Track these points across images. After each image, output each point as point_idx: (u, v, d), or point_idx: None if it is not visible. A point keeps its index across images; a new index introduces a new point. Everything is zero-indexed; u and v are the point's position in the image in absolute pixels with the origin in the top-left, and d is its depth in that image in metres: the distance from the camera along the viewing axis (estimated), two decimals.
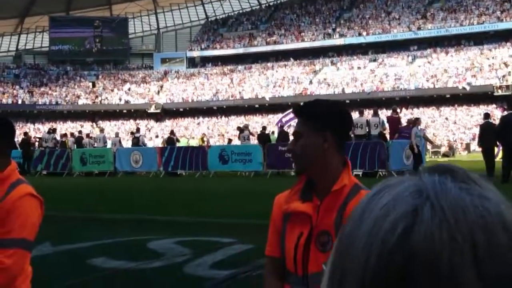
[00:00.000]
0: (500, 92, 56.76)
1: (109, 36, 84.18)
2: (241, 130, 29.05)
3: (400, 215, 0.65)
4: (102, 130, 35.19)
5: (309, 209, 2.49)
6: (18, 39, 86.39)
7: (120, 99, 76.53)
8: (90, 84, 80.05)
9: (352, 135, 23.09)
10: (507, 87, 56.85)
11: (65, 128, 65.28)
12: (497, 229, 0.64)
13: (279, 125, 32.59)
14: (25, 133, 32.39)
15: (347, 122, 2.61)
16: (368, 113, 29.45)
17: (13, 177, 3.26)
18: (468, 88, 58.87)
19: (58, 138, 33.10)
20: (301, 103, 2.69)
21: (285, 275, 2.57)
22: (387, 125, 23.92)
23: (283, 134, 27.45)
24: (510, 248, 0.64)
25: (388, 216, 0.65)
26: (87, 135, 34.44)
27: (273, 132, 33.25)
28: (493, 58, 61.55)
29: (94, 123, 73.26)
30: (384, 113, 36.65)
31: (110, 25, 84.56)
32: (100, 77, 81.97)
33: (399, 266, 0.63)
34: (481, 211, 0.65)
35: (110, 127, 69.00)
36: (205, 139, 42.07)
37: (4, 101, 72.74)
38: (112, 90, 78.78)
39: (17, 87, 76.08)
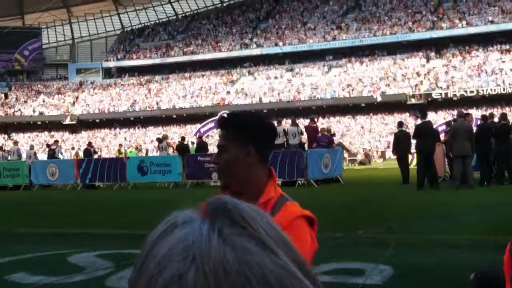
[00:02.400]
0: (413, 101, 58.23)
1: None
2: (160, 140, 28.87)
3: (169, 279, 0.66)
4: (16, 143, 34.37)
5: None
6: None
7: (34, 111, 74.89)
8: (3, 95, 78.04)
9: None
10: (420, 96, 58.42)
11: None
12: (256, 284, 0.66)
13: (197, 135, 32.54)
14: None
15: (270, 134, 2.62)
16: (285, 123, 29.73)
17: None
18: (381, 97, 60.17)
19: None
20: (225, 116, 2.69)
21: None
22: (305, 135, 24.25)
23: (201, 144, 27.46)
24: None
25: (160, 276, 0.67)
26: (1, 148, 33.55)
27: (192, 143, 33.17)
28: (405, 67, 63.15)
29: (7, 136, 71.44)
30: (301, 122, 37.04)
31: (23, 35, 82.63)
32: (12, 88, 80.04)
33: None
34: (243, 269, 0.66)
35: (24, 140, 67.46)
36: (122, 150, 41.60)
37: None
38: (26, 102, 77.05)
39: None
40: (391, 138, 37.40)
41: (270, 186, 2.53)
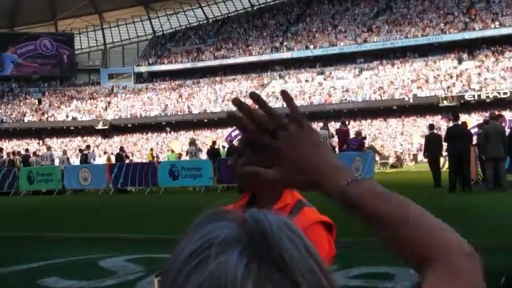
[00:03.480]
0: (445, 103, 57.75)
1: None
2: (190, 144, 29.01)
3: None
4: (49, 148, 34.70)
5: None
6: None
7: (67, 116, 75.66)
8: (36, 101, 78.97)
9: None
10: (452, 98, 57.91)
11: (10, 146, 64.27)
12: None
13: (228, 140, 32.60)
14: None
15: None
16: (317, 126, 29.63)
17: None
18: (413, 99, 59.80)
19: (5, 156, 32.53)
20: None
21: None
22: (336, 138, 24.18)
23: (233, 149, 27.48)
24: None
25: None
26: (34, 153, 33.91)
27: (223, 147, 33.23)
28: (437, 69, 62.68)
29: (41, 141, 72.26)
30: (333, 126, 36.91)
31: (56, 41, 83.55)
32: (46, 93, 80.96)
33: None
34: None
35: (57, 145, 68.18)
36: (154, 154, 41.87)
37: None
38: (59, 107, 77.88)
39: None
40: (423, 141, 37.20)
41: (287, 192, 2.53)
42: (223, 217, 0.74)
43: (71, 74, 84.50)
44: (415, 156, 53.79)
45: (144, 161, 40.63)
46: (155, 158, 37.89)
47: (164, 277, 0.72)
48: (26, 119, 74.97)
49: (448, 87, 59.48)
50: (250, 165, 2.53)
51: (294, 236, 0.72)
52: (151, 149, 46.58)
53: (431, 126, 21.94)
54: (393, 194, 1.10)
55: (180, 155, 36.80)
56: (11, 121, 73.88)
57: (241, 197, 2.63)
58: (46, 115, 76.09)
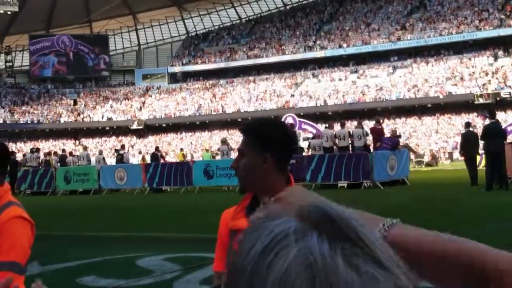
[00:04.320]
0: (480, 101, 57.13)
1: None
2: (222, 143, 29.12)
3: None
4: (85, 148, 35.04)
5: None
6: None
7: (102, 116, 76.36)
8: (72, 101, 79.82)
9: (335, 147, 23.24)
10: (488, 95, 57.26)
11: (47, 146, 65.05)
12: None
13: None
14: (12, 152, 32.14)
15: (287, 142, 2.63)
16: (351, 125, 29.58)
17: (4, 199, 3.24)
18: (448, 97, 59.28)
19: (42, 157, 32.93)
20: (246, 122, 2.73)
21: None
22: (370, 137, 24.08)
23: None
24: None
25: None
26: (71, 153, 34.27)
27: None
28: (472, 67, 62.02)
29: (77, 141, 73.02)
30: (367, 124, 36.75)
31: (91, 43, 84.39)
32: (81, 94, 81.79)
33: None
34: None
35: (93, 144, 68.84)
36: (184, 153, 42.13)
37: None
38: (94, 107, 78.61)
39: None
40: (458, 139, 36.88)
41: None
42: (279, 215, 0.73)
43: (106, 75, 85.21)
44: (450, 154, 53.32)
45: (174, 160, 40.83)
46: (187, 158, 38.05)
47: (233, 279, 0.70)
48: (62, 120, 75.81)
49: (484, 84, 58.81)
50: (253, 167, 2.57)
51: (357, 218, 0.72)
52: (181, 149, 46.86)
53: (467, 124, 21.72)
54: (423, 230, 1.08)
55: (216, 154, 36.97)
56: (47, 122, 74.76)
57: (244, 198, 2.66)
58: (81, 116, 76.87)
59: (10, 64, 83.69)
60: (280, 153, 2.56)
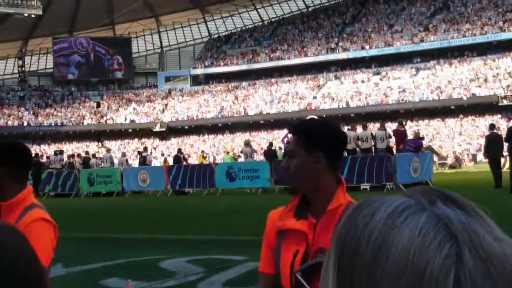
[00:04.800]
0: (505, 102, 56.68)
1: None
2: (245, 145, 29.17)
3: (443, 258, 0.63)
4: (108, 150, 35.26)
5: (305, 227, 2.50)
6: (23, 61, 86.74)
7: (125, 119, 76.75)
8: (95, 104, 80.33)
9: (358, 149, 23.18)
10: None
11: (70, 149, 65.47)
12: None
13: (285, 141, 32.57)
14: (36, 155, 32.38)
15: (339, 141, 2.62)
16: (373, 126, 29.46)
17: (27, 201, 3.26)
18: (472, 99, 58.87)
19: (65, 159, 33.15)
20: (297, 122, 2.72)
21: None
22: (393, 139, 23.97)
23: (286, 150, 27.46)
24: None
25: (431, 258, 0.64)
26: (94, 156, 34.46)
27: (280, 148, 33.22)
28: (496, 68, 61.54)
29: (100, 143, 73.45)
30: (389, 126, 36.57)
31: (114, 45, 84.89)
32: (104, 97, 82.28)
33: None
34: (509, 258, 0.64)
35: (116, 147, 69.20)
36: (205, 155, 42.23)
37: (9, 123, 73.09)
38: (117, 110, 79.03)
39: (22, 109, 76.46)
40: (482, 141, 36.56)
41: (339, 193, 2.54)
42: (388, 197, 0.71)
43: (129, 77, 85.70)
44: (474, 156, 52.93)
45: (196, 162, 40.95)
46: (209, 160, 38.13)
47: (350, 248, 0.69)
48: (85, 122, 76.28)
49: (508, 85, 58.30)
50: (305, 167, 2.56)
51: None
52: (202, 151, 47.03)
53: (491, 126, 21.53)
54: None
55: (237, 156, 37.01)
56: (71, 124, 75.27)
57: (293, 198, 2.63)
58: (104, 118, 77.30)
59: (23, 68, 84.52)
60: (331, 152, 2.56)
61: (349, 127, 24.66)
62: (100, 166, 31.00)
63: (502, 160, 22.03)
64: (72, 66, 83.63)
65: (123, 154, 33.53)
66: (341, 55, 71.82)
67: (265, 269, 2.65)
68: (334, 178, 2.56)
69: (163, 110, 77.75)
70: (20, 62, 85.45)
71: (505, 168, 22.66)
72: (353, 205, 2.47)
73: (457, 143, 57.13)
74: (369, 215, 0.68)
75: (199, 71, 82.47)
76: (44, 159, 36.16)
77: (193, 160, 50.28)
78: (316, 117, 42.34)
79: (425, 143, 29.17)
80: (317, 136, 2.54)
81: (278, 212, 2.65)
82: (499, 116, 56.67)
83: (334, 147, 2.58)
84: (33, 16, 72.51)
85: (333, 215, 2.46)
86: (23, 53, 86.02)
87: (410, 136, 24.83)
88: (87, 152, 36.78)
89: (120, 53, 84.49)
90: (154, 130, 74.66)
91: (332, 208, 2.48)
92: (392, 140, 24.26)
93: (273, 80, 75.49)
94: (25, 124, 73.72)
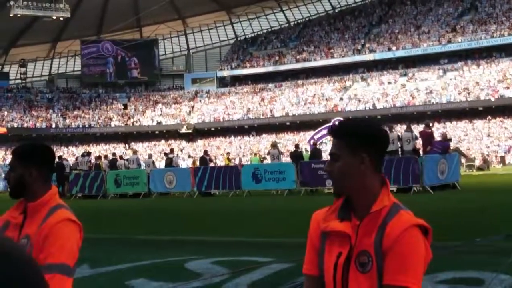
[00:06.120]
0: None
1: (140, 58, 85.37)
2: (272, 146, 29.17)
3: None
4: (135, 152, 35.36)
5: (348, 229, 2.47)
6: (51, 64, 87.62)
7: (152, 120, 77.13)
8: (122, 106, 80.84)
9: None
10: None
11: (98, 150, 65.98)
12: None
13: (311, 143, 32.53)
14: (59, 157, 32.62)
15: (383, 141, 2.60)
16: (400, 128, 29.27)
17: (53, 202, 3.30)
18: (500, 100, 58.34)
19: (93, 160, 33.38)
20: (337, 123, 2.68)
21: None
22: (420, 140, 23.81)
23: (316, 152, 27.43)
24: None
25: None
26: (121, 157, 34.64)
27: (306, 150, 33.17)
28: None
29: (127, 145, 73.87)
30: (416, 128, 36.36)
31: (141, 47, 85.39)
32: (131, 99, 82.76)
33: None
34: None
35: (143, 148, 69.60)
36: (230, 158, 42.31)
37: (38, 125, 73.78)
38: (144, 112, 79.46)
39: (51, 111, 77.16)
40: (511, 143, 36.40)
41: (384, 194, 2.50)
42: None
43: (156, 80, 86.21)
44: (502, 158, 52.43)
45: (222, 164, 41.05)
46: (235, 162, 38.20)
47: None
48: (112, 124, 76.78)
49: None
50: (350, 169, 2.54)
51: None
52: (228, 153, 47.14)
53: None
54: None
55: (264, 158, 37.00)
56: (98, 126, 75.81)
57: (335, 200, 2.60)
58: (131, 120, 77.73)
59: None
60: (375, 153, 2.53)
61: None
62: (127, 167, 31.13)
63: None
64: (99, 68, 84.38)
65: (150, 156, 33.65)
66: (367, 57, 71.62)
67: (310, 271, 2.63)
68: (378, 179, 2.53)
69: (190, 112, 78.03)
70: (49, 64, 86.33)
71: None
72: (398, 206, 2.47)
73: (485, 145, 56.64)
74: None
75: (226, 73, 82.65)
76: (73, 161, 36.45)
77: (219, 162, 50.40)
78: (341, 119, 42.26)
79: (452, 145, 28.95)
80: (360, 136, 2.51)
81: (322, 213, 2.63)
82: None
83: (378, 148, 2.55)
84: (61, 18, 73.13)
85: (377, 216, 2.44)
86: (52, 55, 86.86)
87: (437, 138, 24.65)
88: (114, 154, 36.94)
89: (142, 55, 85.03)
90: (180, 132, 74.97)
91: (376, 210, 2.45)
92: (419, 142, 24.11)
93: (299, 81, 75.47)
94: (53, 126, 74.40)
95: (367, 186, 2.49)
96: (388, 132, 23.65)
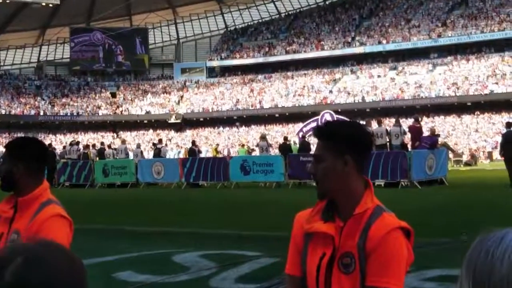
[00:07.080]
0: None
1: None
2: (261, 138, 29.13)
3: None
4: (123, 141, 35.23)
5: (332, 230, 2.49)
6: (40, 51, 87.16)
7: (140, 109, 76.90)
8: (111, 94, 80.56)
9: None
10: None
11: (86, 139, 65.71)
12: None
13: (300, 135, 32.52)
14: (49, 145, 32.45)
15: (367, 144, 2.61)
16: (389, 122, 29.33)
17: (44, 197, 3.29)
18: (489, 95, 58.52)
19: (82, 149, 33.22)
20: (322, 125, 2.68)
21: None
22: (408, 135, 23.84)
23: (304, 144, 27.42)
24: None
25: None
26: (109, 146, 34.51)
27: (295, 142, 33.16)
28: None
29: (115, 134, 73.65)
30: (405, 122, 36.46)
31: (129, 36, 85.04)
32: (120, 87, 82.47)
33: None
34: None
35: (131, 138, 69.39)
36: (217, 149, 42.25)
37: (26, 112, 73.38)
38: (133, 101, 79.21)
39: (39, 98, 76.74)
40: (498, 138, 36.44)
41: (367, 196, 2.52)
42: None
43: (145, 69, 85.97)
44: (490, 154, 52.62)
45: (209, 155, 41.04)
46: (224, 153, 38.22)
47: (488, 265, 0.85)
48: (100, 113, 76.53)
49: None
50: (333, 171, 2.53)
51: None
52: (217, 144, 47.08)
53: (508, 124, 21.32)
54: None
55: (252, 150, 37.00)
56: (87, 114, 75.53)
57: (319, 202, 2.60)
58: (120, 109, 77.49)
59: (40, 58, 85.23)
60: (358, 154, 2.54)
61: (364, 123, 24.54)
62: (115, 157, 31.01)
63: None
64: (90, 54, 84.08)
65: (138, 146, 33.53)
66: (357, 50, 71.62)
67: (292, 271, 2.65)
68: (361, 181, 2.55)
69: (179, 101, 77.86)
70: (37, 51, 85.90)
71: None
72: (381, 208, 2.47)
73: (473, 140, 56.83)
74: (498, 240, 0.84)
75: (215, 63, 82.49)
76: (61, 149, 36.24)
77: (205, 154, 50.36)
78: (330, 111, 42.28)
79: (440, 139, 29.02)
80: (344, 139, 2.52)
81: (305, 215, 2.64)
82: None
83: (361, 149, 2.56)
84: (50, 5, 72.71)
85: (360, 218, 2.46)
86: (40, 42, 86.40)
87: (425, 132, 24.69)
88: (102, 143, 36.79)
89: (128, 43, 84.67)
90: (169, 121, 74.80)
91: (359, 212, 2.47)
92: (408, 137, 24.14)
93: (289, 73, 75.40)
94: (41, 113, 74.01)
95: (351, 188, 2.51)
96: (377, 128, 23.71)
